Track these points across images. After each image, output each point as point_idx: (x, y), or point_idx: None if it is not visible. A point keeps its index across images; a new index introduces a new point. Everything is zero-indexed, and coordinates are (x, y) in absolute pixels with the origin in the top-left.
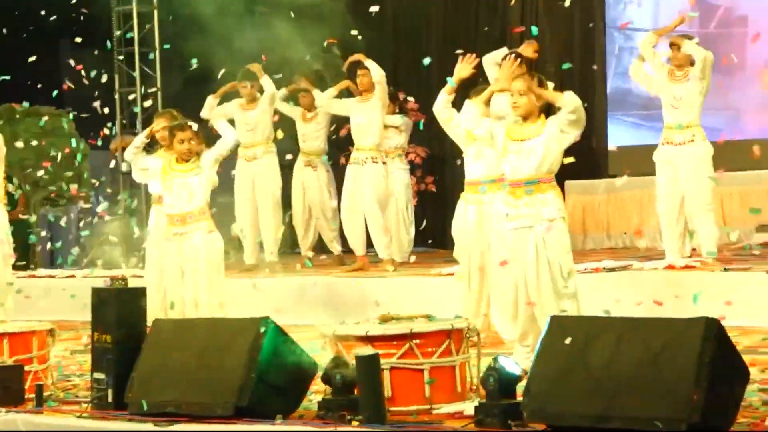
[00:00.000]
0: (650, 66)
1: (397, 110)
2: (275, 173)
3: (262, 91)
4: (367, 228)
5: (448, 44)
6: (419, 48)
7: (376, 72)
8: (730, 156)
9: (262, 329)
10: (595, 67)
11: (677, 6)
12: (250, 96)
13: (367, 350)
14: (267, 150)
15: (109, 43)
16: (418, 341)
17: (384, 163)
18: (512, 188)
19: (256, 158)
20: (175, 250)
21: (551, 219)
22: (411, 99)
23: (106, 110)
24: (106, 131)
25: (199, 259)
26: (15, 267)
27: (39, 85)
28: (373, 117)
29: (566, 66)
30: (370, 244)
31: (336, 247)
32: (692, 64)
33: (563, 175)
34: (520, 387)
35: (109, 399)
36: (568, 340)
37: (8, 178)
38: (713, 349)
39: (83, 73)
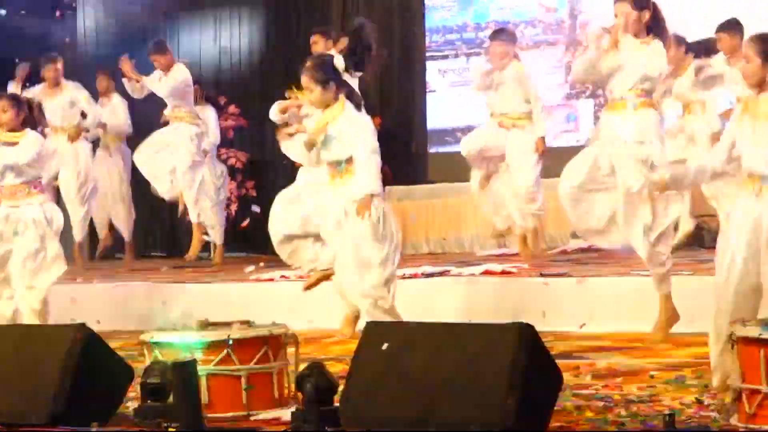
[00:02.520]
0: None
1: None
2: None
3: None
4: None
5: (269, 50)
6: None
7: None
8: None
9: (78, 335)
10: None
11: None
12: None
13: (184, 356)
14: None
15: None
16: (235, 347)
17: None
18: None
19: None
20: None
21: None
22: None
23: None
24: None
25: None
26: None
27: None
28: None
29: None
30: None
31: None
32: None
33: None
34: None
35: None
36: (384, 346)
37: None
38: (527, 355)
39: None
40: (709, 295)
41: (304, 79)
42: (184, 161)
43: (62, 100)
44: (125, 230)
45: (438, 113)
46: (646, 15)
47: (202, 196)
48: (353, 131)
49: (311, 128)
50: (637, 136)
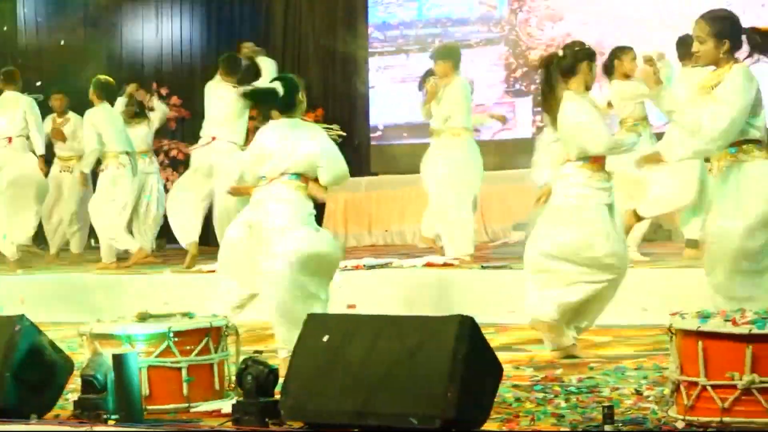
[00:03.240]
0: None
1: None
2: None
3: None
4: None
5: (211, 41)
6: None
7: None
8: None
9: (17, 327)
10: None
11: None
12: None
13: (124, 348)
14: None
15: None
16: (176, 339)
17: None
18: None
19: None
20: None
21: None
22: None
23: None
24: None
25: None
26: None
27: None
28: None
29: None
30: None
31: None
32: None
33: None
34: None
35: None
36: (325, 338)
37: None
38: (467, 347)
39: None
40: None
41: None
42: None
43: None
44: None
45: (380, 107)
46: None
47: None
48: None
49: None
50: None
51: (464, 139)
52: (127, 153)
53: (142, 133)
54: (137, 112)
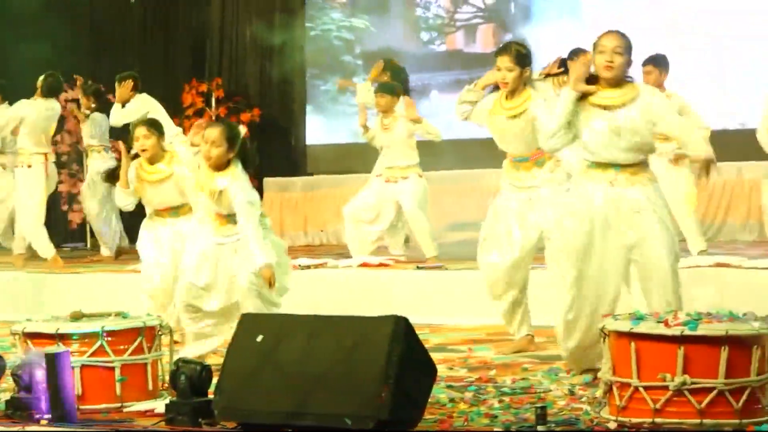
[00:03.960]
0: None
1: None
2: None
3: None
4: None
5: (147, 35)
6: (118, 40)
7: None
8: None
9: None
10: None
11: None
12: None
13: (57, 348)
14: None
15: None
16: (109, 339)
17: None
18: None
19: None
20: None
21: None
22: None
23: None
24: None
25: None
26: None
27: None
28: None
29: None
30: None
31: None
32: None
33: (262, 172)
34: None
35: None
36: (259, 338)
37: None
38: (402, 347)
39: None
40: None
41: None
42: None
43: None
44: None
45: (317, 108)
46: None
47: None
48: None
49: None
50: None
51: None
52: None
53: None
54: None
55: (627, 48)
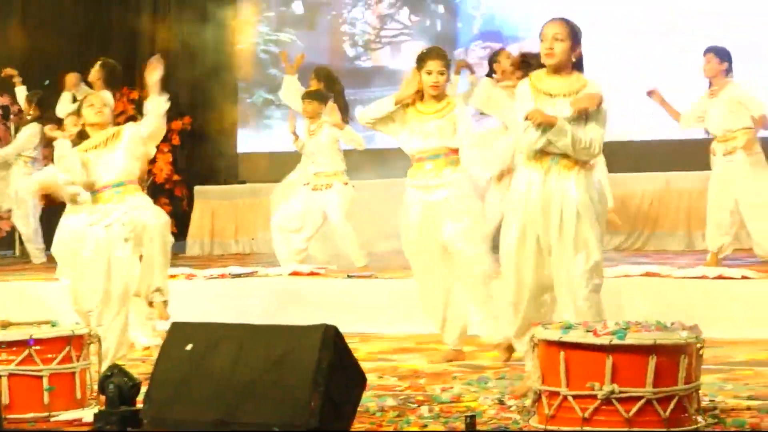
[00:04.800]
0: None
1: None
2: None
3: None
4: None
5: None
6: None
7: None
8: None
9: None
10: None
11: None
12: None
13: None
14: None
15: None
16: (37, 347)
17: None
18: None
19: None
20: None
21: None
22: None
23: None
24: None
25: None
26: None
27: None
28: None
29: None
30: None
31: None
32: None
33: (193, 180)
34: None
35: None
36: (189, 347)
37: None
38: (331, 356)
39: None
40: None
41: None
42: None
43: None
44: None
45: (249, 115)
46: None
47: None
48: None
49: None
50: None
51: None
52: None
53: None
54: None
55: (569, 35)
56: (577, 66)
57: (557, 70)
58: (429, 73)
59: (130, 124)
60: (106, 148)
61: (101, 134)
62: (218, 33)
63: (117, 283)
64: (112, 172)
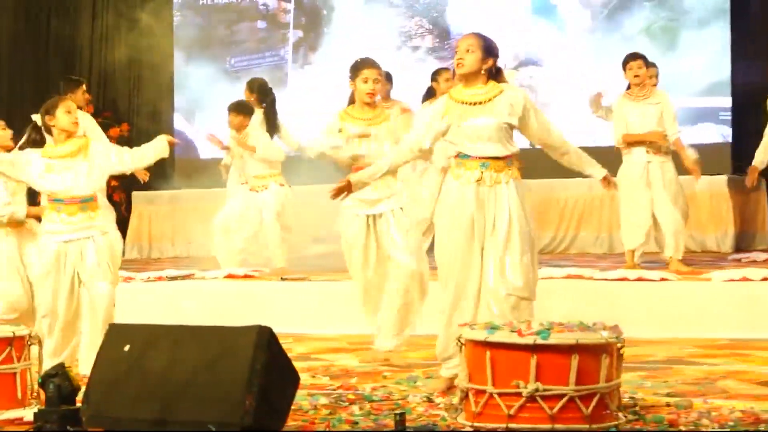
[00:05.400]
0: None
1: None
2: None
3: None
4: None
5: (17, 50)
6: None
7: None
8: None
9: None
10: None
11: None
12: None
13: None
14: None
15: None
16: None
17: None
18: None
19: None
20: None
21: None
22: None
23: None
24: None
25: None
26: None
27: None
28: None
29: None
30: None
31: None
32: None
33: (131, 185)
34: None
35: None
36: (126, 347)
37: None
38: (265, 356)
39: None
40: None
41: None
42: None
43: None
44: None
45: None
46: None
47: None
48: None
49: None
50: None
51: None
52: None
53: None
54: None
55: (480, 47)
56: (495, 76)
57: (469, 80)
58: (365, 81)
59: (101, 142)
60: (74, 160)
61: (68, 144)
62: (153, 42)
63: (74, 308)
64: (78, 185)
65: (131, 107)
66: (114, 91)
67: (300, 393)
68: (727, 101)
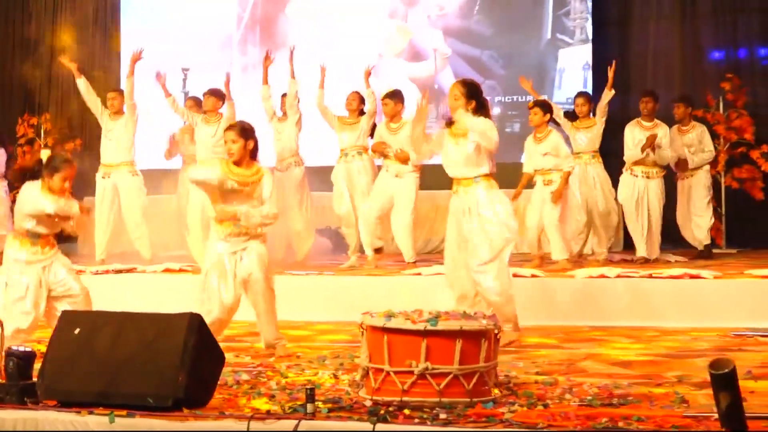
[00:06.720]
0: None
1: None
2: None
3: None
4: None
5: None
6: None
7: None
8: None
9: None
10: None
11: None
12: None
13: None
14: None
15: None
16: None
17: None
18: None
19: None
20: None
21: None
22: None
23: None
24: None
25: None
26: None
27: None
28: None
29: None
30: None
31: None
32: None
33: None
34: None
35: None
36: (77, 331)
37: None
38: (195, 339)
39: None
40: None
41: None
42: None
43: None
44: None
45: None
46: None
47: None
48: None
49: None
50: None
51: None
52: None
53: None
54: None
55: (464, 93)
56: (478, 110)
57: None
58: (224, 142)
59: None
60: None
61: None
62: (108, 64)
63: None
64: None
65: (83, 125)
66: (68, 111)
67: (225, 370)
68: None
